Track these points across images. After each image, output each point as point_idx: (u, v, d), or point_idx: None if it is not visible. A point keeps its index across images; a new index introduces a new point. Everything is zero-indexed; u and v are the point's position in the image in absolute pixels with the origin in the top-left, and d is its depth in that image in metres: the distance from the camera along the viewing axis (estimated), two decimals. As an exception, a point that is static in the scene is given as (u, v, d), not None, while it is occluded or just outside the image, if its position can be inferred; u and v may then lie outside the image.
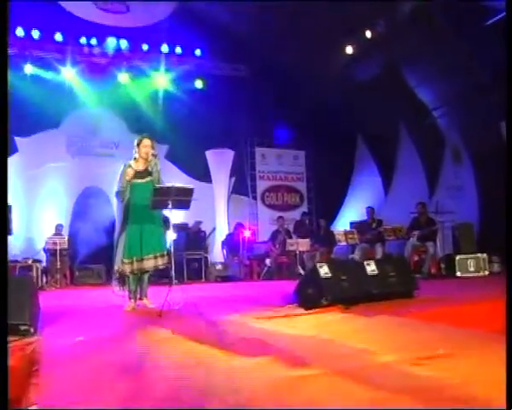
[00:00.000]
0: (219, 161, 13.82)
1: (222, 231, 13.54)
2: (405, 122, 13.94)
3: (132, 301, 5.63)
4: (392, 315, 4.38)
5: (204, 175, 13.55)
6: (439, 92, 13.14)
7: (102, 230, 12.43)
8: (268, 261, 12.12)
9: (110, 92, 12.73)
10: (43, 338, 3.70)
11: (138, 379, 2.54)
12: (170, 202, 5.08)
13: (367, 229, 10.50)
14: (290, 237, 12.30)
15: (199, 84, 13.50)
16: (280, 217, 13.16)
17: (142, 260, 5.43)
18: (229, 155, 13.90)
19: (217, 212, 13.67)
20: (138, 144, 5.71)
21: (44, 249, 10.64)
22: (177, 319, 4.58)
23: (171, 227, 5.38)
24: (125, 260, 5.43)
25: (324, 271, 4.91)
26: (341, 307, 4.81)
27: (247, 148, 14.62)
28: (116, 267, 5.58)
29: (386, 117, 13.36)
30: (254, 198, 14.90)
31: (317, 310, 4.68)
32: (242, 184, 14.68)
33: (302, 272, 11.54)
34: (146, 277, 5.71)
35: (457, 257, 9.19)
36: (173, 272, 5.34)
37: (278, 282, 10.66)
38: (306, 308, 4.82)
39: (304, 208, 15.21)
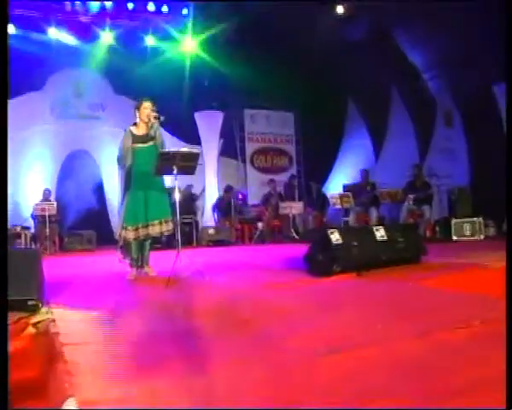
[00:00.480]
0: (209, 123, 13.53)
1: (212, 194, 13.37)
2: (397, 85, 13.79)
3: (134, 269, 5.49)
4: (409, 282, 4.33)
5: (192, 137, 13.26)
6: (429, 54, 12.98)
7: (91, 194, 12.24)
8: (260, 225, 12.00)
9: (95, 53, 12.30)
10: (54, 314, 3.50)
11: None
12: (175, 168, 4.88)
13: (361, 192, 10.41)
14: (282, 201, 12.19)
15: (186, 44, 13.08)
16: (271, 180, 13.05)
17: (147, 226, 5.28)
18: (218, 116, 13.61)
19: (206, 175, 13.45)
20: (138, 108, 5.52)
21: (32, 216, 10.34)
22: (187, 289, 4.45)
23: (177, 190, 5.15)
24: (129, 227, 5.25)
25: (336, 237, 4.80)
26: (353, 274, 4.73)
27: (236, 109, 14.37)
28: (119, 235, 5.42)
29: (378, 79, 13.18)
30: (243, 160, 14.72)
31: (331, 278, 4.59)
32: (231, 146, 14.46)
33: (295, 235, 11.52)
34: (148, 244, 5.56)
35: (453, 221, 9.17)
36: (179, 238, 5.21)
37: (272, 246, 10.60)
38: (318, 275, 4.73)
39: (293, 171, 15.10)
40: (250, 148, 14.85)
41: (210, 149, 13.52)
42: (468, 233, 9.06)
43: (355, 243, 4.93)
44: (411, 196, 9.74)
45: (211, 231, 11.50)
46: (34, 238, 10.28)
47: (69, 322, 3.22)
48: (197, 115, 13.30)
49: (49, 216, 9.99)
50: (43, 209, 9.95)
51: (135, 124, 5.55)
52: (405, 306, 3.48)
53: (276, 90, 13.44)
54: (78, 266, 7.28)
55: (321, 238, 4.94)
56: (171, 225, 5.45)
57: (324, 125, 13.78)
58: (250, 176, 14.73)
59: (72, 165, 12.34)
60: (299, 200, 12.96)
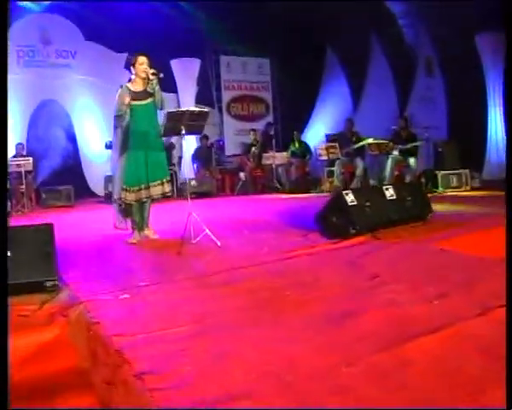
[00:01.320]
0: (185, 70, 12.99)
1: (189, 144, 13.00)
2: (376, 31, 13.50)
3: (136, 232, 5.29)
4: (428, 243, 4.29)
5: (168, 85, 12.73)
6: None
7: (63, 147, 11.72)
8: (242, 175, 11.81)
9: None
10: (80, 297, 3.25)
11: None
12: (183, 128, 4.63)
13: (346, 142, 10.26)
14: (264, 151, 11.97)
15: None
16: (253, 129, 12.79)
17: (148, 187, 5.07)
18: (195, 63, 13.11)
19: (183, 124, 13.01)
20: (133, 64, 5.21)
21: (6, 172, 9.84)
22: (205, 257, 4.26)
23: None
24: (130, 188, 5.03)
25: (351, 198, 4.69)
26: (368, 236, 4.65)
27: (212, 56, 13.91)
28: (117, 197, 5.19)
29: (357, 26, 12.84)
30: (220, 109, 14.36)
31: (350, 240, 4.49)
32: (206, 94, 14.01)
33: (278, 185, 11.39)
34: (148, 205, 5.35)
35: (440, 173, 9.22)
36: (188, 194, 5.05)
37: (258, 197, 10.49)
38: (332, 237, 4.62)
39: (270, 119, 14.85)
40: (226, 95, 14.47)
41: (186, 98, 13.03)
42: (454, 185, 9.15)
43: (368, 204, 4.84)
44: (397, 147, 9.67)
45: (193, 183, 11.23)
46: (10, 195, 9.81)
47: (97, 305, 2.99)
48: (173, 63, 12.75)
49: (26, 172, 9.56)
50: (19, 165, 9.49)
51: (130, 80, 5.25)
52: (439, 271, 3.41)
53: (253, 35, 13.01)
54: (67, 227, 6.93)
55: (335, 199, 4.82)
56: (171, 186, 5.32)
57: (301, 72, 13.45)
58: (226, 124, 14.41)
59: (43, 116, 11.73)
60: (276, 147, 12.77)
